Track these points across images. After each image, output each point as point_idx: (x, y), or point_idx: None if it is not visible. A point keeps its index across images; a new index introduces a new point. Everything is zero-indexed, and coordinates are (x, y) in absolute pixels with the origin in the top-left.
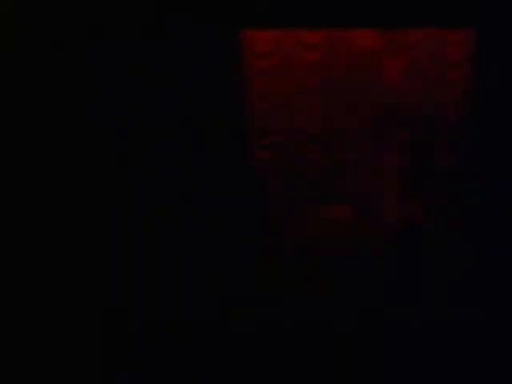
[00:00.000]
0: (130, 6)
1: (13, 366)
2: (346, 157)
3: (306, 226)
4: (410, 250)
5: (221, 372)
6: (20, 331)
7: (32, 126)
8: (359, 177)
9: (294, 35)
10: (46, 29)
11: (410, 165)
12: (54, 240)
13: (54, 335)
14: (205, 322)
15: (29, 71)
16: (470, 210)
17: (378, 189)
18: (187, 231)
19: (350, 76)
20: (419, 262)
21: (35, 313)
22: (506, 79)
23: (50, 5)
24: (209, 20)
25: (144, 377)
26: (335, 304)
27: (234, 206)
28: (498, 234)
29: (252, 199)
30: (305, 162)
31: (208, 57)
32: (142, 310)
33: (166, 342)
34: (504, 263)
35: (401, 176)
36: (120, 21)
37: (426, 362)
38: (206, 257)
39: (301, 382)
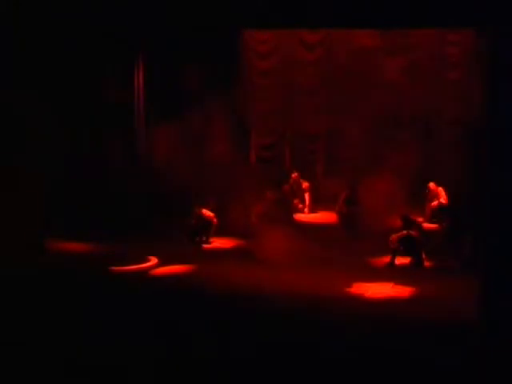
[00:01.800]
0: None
1: None
2: (347, 156)
3: None
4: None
5: None
6: None
7: None
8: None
9: (294, 35)
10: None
11: (411, 164)
12: None
13: None
14: None
15: None
16: (472, 208)
17: (379, 187)
18: None
19: (349, 76)
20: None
21: None
22: (506, 79)
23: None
24: (209, 20)
25: None
26: None
27: None
28: (503, 231)
29: None
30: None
31: (208, 56)
32: None
33: None
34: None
35: (402, 175)
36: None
37: None
38: None
39: None
